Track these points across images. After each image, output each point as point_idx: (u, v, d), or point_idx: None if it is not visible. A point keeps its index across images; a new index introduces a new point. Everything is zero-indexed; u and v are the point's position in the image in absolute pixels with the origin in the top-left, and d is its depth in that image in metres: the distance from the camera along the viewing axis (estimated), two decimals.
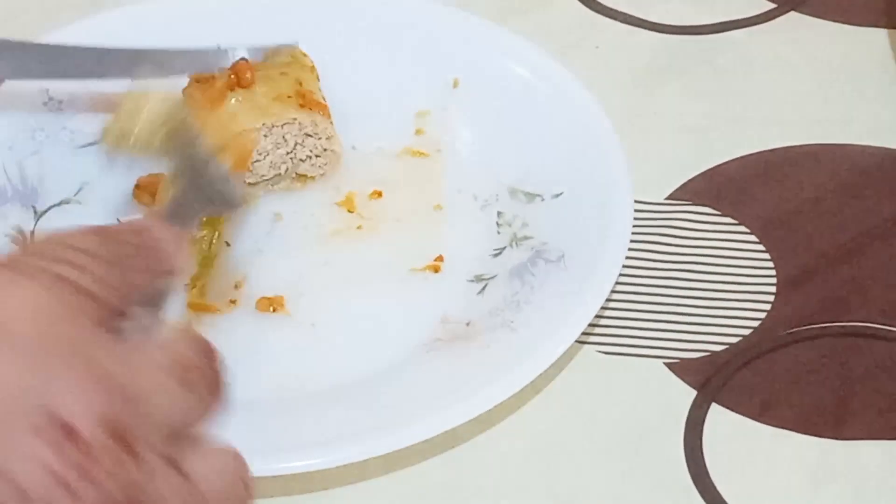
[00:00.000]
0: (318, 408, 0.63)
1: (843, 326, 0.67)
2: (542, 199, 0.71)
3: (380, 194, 0.72)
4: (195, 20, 0.76)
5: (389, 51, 0.77)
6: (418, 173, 0.74)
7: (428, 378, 0.64)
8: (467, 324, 0.66)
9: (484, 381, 0.62)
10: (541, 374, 0.62)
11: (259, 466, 0.58)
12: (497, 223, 0.71)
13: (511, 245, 0.70)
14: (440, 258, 0.69)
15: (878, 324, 0.67)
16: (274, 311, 0.67)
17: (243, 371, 0.64)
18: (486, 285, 0.68)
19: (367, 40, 0.77)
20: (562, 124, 0.73)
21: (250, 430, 0.60)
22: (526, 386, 0.62)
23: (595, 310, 0.65)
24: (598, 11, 0.83)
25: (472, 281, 0.69)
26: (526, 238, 0.70)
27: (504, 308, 0.66)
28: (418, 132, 0.75)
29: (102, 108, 0.74)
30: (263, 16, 0.77)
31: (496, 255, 0.70)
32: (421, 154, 0.74)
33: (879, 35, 0.81)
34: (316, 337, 0.67)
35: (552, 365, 0.63)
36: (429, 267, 0.69)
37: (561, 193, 0.71)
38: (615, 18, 0.82)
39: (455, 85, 0.76)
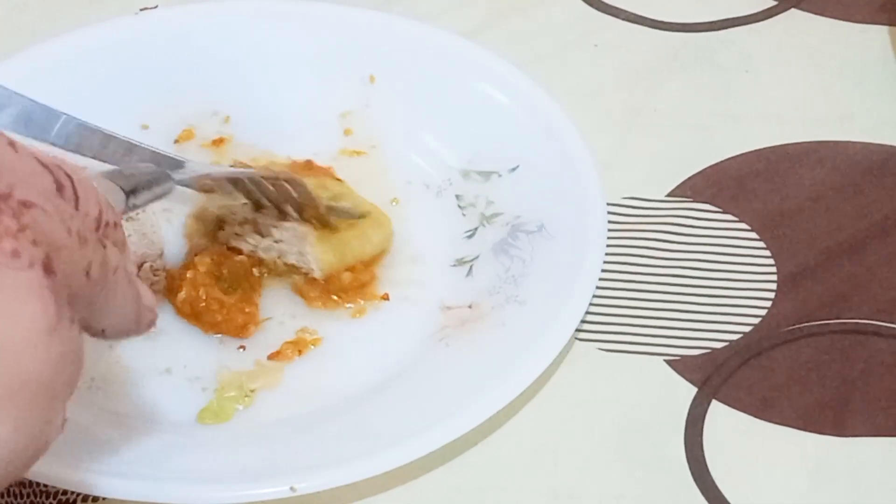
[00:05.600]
0: (334, 424, 0.63)
1: (843, 323, 0.67)
2: (500, 175, 0.72)
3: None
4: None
5: (304, 56, 0.77)
6: (362, 172, 0.74)
7: (453, 368, 0.64)
8: (469, 306, 0.67)
9: (510, 360, 0.63)
10: (539, 372, 0.63)
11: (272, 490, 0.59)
12: (459, 206, 0.72)
13: (482, 224, 0.70)
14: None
15: (879, 321, 0.67)
16: (300, 353, 0.67)
17: (263, 395, 0.65)
18: (471, 267, 0.69)
19: (282, 47, 0.77)
20: (493, 99, 0.74)
21: (272, 452, 0.61)
22: (526, 385, 0.62)
23: (597, 273, 0.66)
24: (598, 9, 0.83)
25: (454, 266, 0.69)
26: (496, 215, 0.70)
27: (502, 284, 0.67)
28: (347, 132, 0.75)
29: None
30: (189, 31, 0.77)
31: (470, 237, 0.70)
32: (358, 153, 0.75)
33: (880, 32, 0.81)
34: (323, 350, 0.67)
35: (553, 362, 0.63)
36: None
37: (517, 167, 0.71)
38: (616, 16, 0.82)
39: (372, 81, 0.76)
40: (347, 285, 0.68)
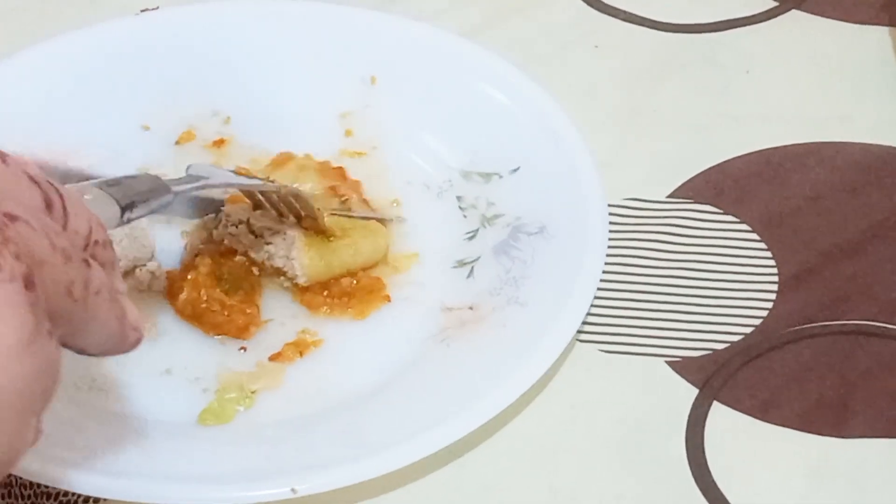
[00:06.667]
0: (335, 425, 0.63)
1: (844, 324, 0.67)
2: (501, 177, 0.72)
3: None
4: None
5: (304, 57, 0.77)
6: (363, 173, 0.74)
7: (454, 370, 0.64)
8: (470, 307, 0.67)
9: (512, 362, 0.63)
10: (541, 373, 0.63)
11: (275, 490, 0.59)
12: (460, 207, 0.72)
13: (483, 226, 0.71)
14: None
15: (879, 322, 0.67)
16: (302, 354, 0.67)
17: (264, 396, 0.64)
18: (472, 268, 0.69)
19: (282, 48, 0.77)
20: (494, 100, 0.74)
21: (272, 453, 0.61)
22: (527, 386, 0.62)
23: (598, 275, 0.66)
24: (598, 9, 0.83)
25: (455, 267, 0.69)
26: (496, 216, 0.70)
27: (503, 286, 0.67)
28: (347, 133, 0.75)
29: None
30: (189, 32, 0.77)
31: (471, 238, 0.70)
32: (358, 154, 0.75)
33: (880, 33, 0.81)
34: (324, 351, 0.67)
35: (554, 363, 0.63)
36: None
37: (518, 168, 0.71)
38: (616, 16, 0.82)
39: (372, 81, 0.76)
40: (350, 290, 0.68)
